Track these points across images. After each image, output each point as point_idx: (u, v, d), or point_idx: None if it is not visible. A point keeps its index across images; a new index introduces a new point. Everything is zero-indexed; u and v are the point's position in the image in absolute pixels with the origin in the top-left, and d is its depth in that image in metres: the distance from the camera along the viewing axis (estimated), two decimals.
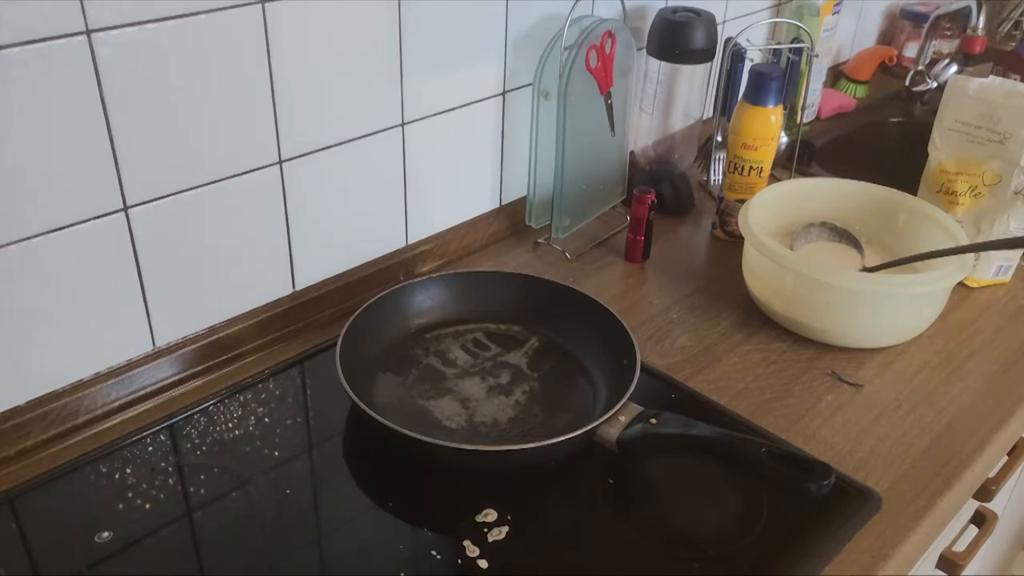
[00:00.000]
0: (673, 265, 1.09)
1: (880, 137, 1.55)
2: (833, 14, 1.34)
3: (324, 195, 0.90)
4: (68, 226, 0.73)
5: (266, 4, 0.77)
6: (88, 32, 0.68)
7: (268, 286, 0.91)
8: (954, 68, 1.53)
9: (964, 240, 0.96)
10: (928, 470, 0.79)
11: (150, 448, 0.78)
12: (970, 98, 1.01)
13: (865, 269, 0.99)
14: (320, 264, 0.94)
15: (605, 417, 0.75)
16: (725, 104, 1.20)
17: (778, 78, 1.04)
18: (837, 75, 1.61)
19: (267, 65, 0.80)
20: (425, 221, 1.03)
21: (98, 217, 0.74)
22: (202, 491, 0.74)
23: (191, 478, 0.75)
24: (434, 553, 0.69)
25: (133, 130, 0.73)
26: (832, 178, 1.14)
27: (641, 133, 1.22)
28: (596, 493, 0.76)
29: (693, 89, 1.18)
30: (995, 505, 1.01)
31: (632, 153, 1.22)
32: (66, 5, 0.66)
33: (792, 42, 1.23)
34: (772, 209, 1.03)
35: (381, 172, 0.95)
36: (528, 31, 1.02)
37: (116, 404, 0.81)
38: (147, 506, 0.72)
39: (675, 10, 1.11)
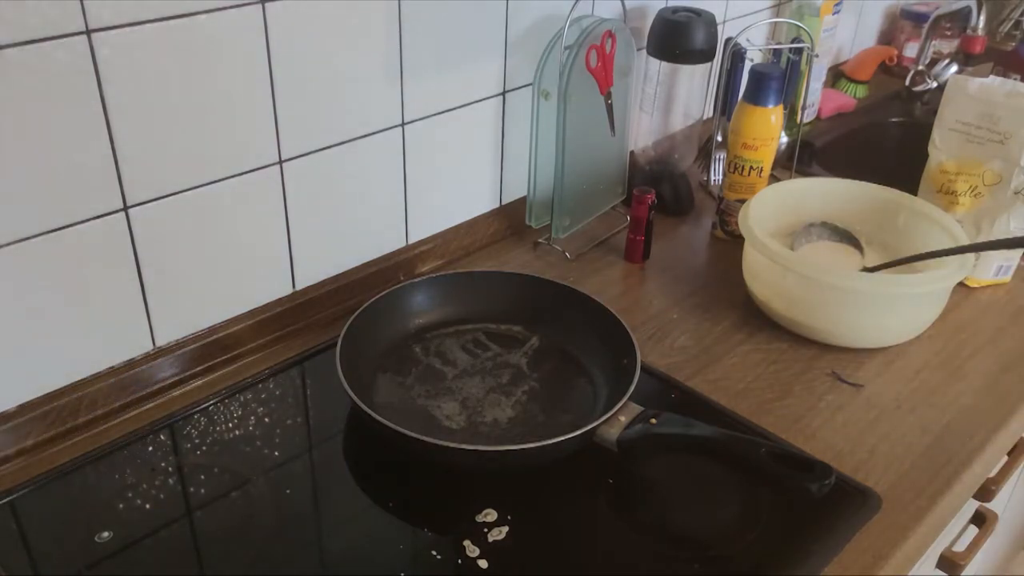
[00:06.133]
0: (673, 265, 1.09)
1: (880, 137, 1.55)
2: (833, 14, 1.34)
3: (324, 195, 0.90)
4: (68, 226, 0.73)
5: (266, 4, 0.77)
6: (88, 32, 0.68)
7: (268, 286, 0.90)
8: (954, 68, 1.53)
9: (964, 240, 0.96)
10: (928, 470, 0.79)
11: (150, 448, 0.78)
12: (970, 98, 1.01)
13: (865, 269, 0.99)
14: (320, 264, 0.94)
15: (605, 417, 0.75)
16: (725, 104, 1.20)
17: (778, 78, 1.04)
18: (837, 75, 1.61)
19: (267, 65, 0.80)
20: (425, 221, 1.03)
21: (98, 217, 0.74)
22: (202, 491, 0.74)
23: (191, 478, 0.75)
24: (434, 553, 0.69)
25: (133, 130, 0.73)
26: (832, 178, 1.14)
27: (641, 133, 1.22)
28: (596, 493, 0.76)
29: (693, 89, 1.18)
30: (995, 505, 1.01)
31: (632, 153, 1.22)
32: (66, 5, 0.66)
33: (792, 42, 1.23)
34: (772, 209, 1.03)
35: (381, 172, 0.95)
36: (528, 31, 1.02)
37: (116, 404, 0.81)
38: (147, 506, 0.72)
39: (675, 10, 1.11)
